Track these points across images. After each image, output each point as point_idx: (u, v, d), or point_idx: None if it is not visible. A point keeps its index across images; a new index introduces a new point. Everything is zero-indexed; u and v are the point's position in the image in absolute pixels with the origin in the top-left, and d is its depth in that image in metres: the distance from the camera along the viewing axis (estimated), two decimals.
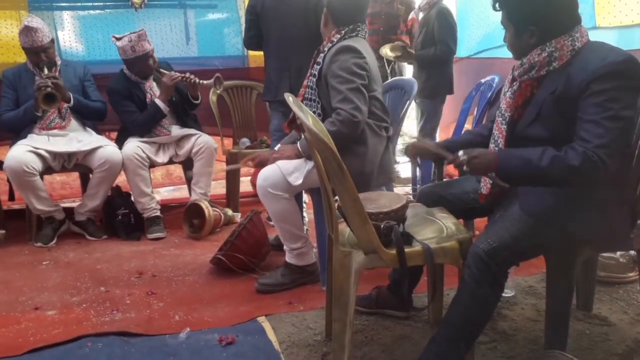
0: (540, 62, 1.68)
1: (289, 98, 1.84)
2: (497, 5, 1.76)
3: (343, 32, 2.42)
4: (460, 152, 1.74)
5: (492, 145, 1.85)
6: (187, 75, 3.32)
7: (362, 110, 2.30)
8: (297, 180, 2.36)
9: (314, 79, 2.44)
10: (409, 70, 4.54)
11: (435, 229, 1.88)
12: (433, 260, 1.71)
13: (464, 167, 1.70)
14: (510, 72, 1.84)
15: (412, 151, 2.15)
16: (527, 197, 1.71)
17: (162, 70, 3.39)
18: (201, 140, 3.44)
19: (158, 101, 3.33)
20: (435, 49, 3.78)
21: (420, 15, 3.95)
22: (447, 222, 1.92)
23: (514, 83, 1.80)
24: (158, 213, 3.42)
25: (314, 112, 2.46)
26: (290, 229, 2.45)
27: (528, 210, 1.69)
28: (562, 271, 1.76)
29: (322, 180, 1.78)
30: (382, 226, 1.70)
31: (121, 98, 3.39)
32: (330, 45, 2.41)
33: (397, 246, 1.67)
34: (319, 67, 2.43)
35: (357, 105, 2.28)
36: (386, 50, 3.93)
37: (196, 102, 3.49)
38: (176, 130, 3.51)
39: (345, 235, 1.90)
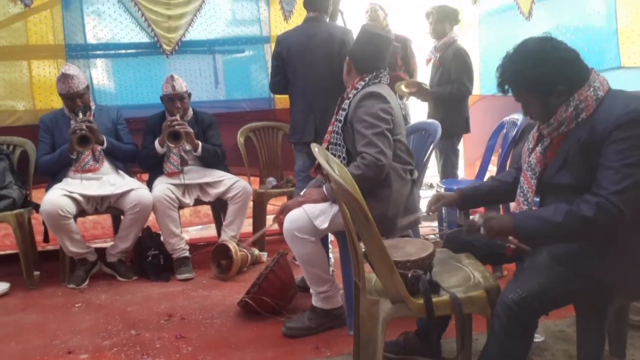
0: (569, 117, 1.68)
1: (315, 148, 1.88)
2: (505, 87, 1.76)
3: (367, 79, 2.48)
4: (477, 217, 1.75)
5: (520, 199, 1.85)
6: (175, 122, 3.40)
7: (387, 155, 2.34)
8: (323, 223, 2.39)
9: (340, 124, 2.50)
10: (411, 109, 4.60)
11: (462, 277, 1.88)
12: (461, 310, 1.71)
13: (481, 231, 1.71)
14: (536, 129, 1.85)
15: (433, 206, 2.13)
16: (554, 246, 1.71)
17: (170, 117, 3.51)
18: (239, 185, 3.53)
19: (156, 142, 3.49)
20: (452, 87, 3.82)
21: (437, 55, 3.99)
22: (474, 269, 1.92)
23: (544, 140, 1.80)
24: (187, 253, 3.48)
25: (339, 156, 2.51)
26: (316, 272, 2.46)
27: (557, 258, 1.68)
28: (593, 319, 1.73)
29: (349, 228, 1.80)
30: (409, 275, 1.71)
31: (147, 131, 3.62)
32: (355, 91, 2.48)
33: (424, 297, 1.67)
34: (344, 112, 2.48)
35: (382, 149, 2.33)
36: (402, 87, 3.98)
37: (194, 153, 3.56)
38: (200, 172, 3.58)
39: (372, 282, 1.91)
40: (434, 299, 1.69)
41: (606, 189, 1.54)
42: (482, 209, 2.60)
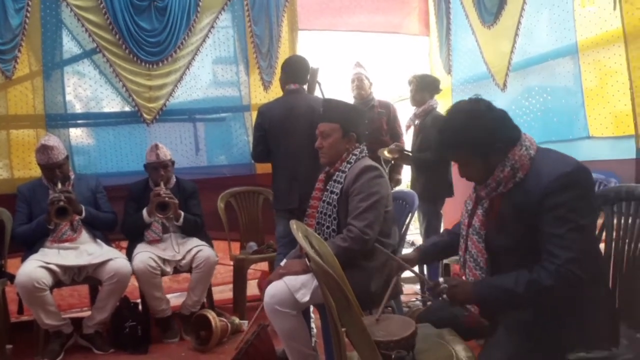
0: (506, 176, 1.73)
1: (293, 225, 1.90)
2: (451, 151, 1.82)
3: (357, 152, 2.56)
4: (441, 280, 1.81)
5: (471, 264, 1.87)
6: (162, 192, 3.45)
7: (374, 229, 2.38)
8: (304, 297, 2.37)
9: (335, 197, 2.51)
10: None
11: (444, 355, 1.86)
12: None
13: (443, 296, 1.74)
14: (473, 191, 1.92)
15: (396, 272, 2.16)
16: (509, 314, 1.75)
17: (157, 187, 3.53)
18: (201, 255, 3.48)
19: (144, 212, 3.51)
20: (432, 153, 3.89)
21: (416, 122, 4.11)
22: (456, 346, 1.91)
23: (483, 202, 1.85)
24: (170, 313, 3.48)
25: (328, 227, 2.52)
26: (298, 347, 2.43)
27: (511, 327, 1.71)
28: None
29: (330, 309, 1.80)
30: (392, 356, 1.71)
31: (130, 198, 3.64)
32: (348, 165, 2.53)
33: None
34: (339, 185, 2.51)
35: (370, 222, 2.37)
36: (384, 152, 4.07)
37: (176, 223, 3.58)
38: (178, 240, 3.58)
39: None
40: None
41: (559, 257, 1.59)
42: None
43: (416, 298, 4.03)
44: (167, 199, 3.43)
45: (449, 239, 2.18)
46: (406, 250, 4.73)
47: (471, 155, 1.77)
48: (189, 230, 3.62)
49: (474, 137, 1.73)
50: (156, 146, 3.58)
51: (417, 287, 4.30)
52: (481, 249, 1.84)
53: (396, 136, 4.43)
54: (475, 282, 1.80)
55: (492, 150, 1.74)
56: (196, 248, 3.53)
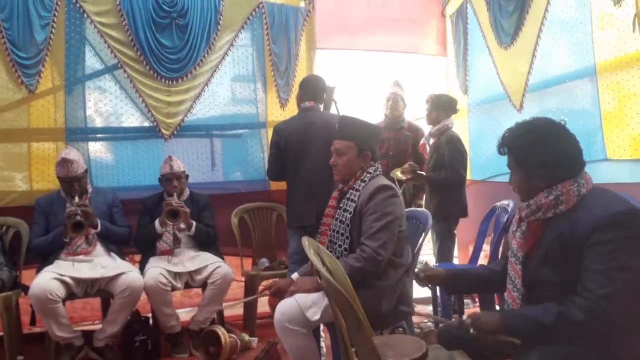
0: (547, 205, 1.72)
1: (305, 242, 1.90)
2: (503, 149, 1.85)
3: (372, 170, 2.55)
4: (465, 317, 1.79)
5: (510, 287, 1.84)
6: (174, 202, 3.48)
7: (388, 249, 2.37)
8: (315, 315, 2.35)
9: (349, 216, 2.51)
10: None
11: None
12: None
13: (471, 331, 1.71)
14: (517, 211, 1.89)
15: (423, 280, 2.16)
16: (546, 347, 1.68)
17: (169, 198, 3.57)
18: (219, 272, 3.45)
19: (157, 222, 3.54)
20: (446, 173, 3.88)
21: (431, 141, 4.10)
22: None
23: (522, 224, 1.84)
24: (180, 329, 3.47)
25: (340, 246, 2.51)
26: None
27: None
28: None
29: (340, 328, 1.78)
30: None
31: (144, 211, 3.68)
32: (363, 183, 2.52)
33: None
34: (353, 204, 2.50)
35: (383, 243, 2.36)
36: (398, 173, 4.06)
37: (188, 232, 3.60)
38: (189, 258, 3.57)
39: None
40: None
41: (594, 293, 1.55)
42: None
43: (428, 320, 3.97)
44: (177, 206, 3.45)
45: (480, 271, 2.12)
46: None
47: (514, 164, 1.82)
48: (202, 241, 3.63)
49: (521, 152, 1.78)
50: (170, 158, 3.65)
51: (430, 308, 4.23)
52: (518, 271, 1.81)
53: (420, 161, 4.40)
54: (503, 312, 1.78)
55: (533, 174, 1.75)
56: (213, 265, 3.51)
